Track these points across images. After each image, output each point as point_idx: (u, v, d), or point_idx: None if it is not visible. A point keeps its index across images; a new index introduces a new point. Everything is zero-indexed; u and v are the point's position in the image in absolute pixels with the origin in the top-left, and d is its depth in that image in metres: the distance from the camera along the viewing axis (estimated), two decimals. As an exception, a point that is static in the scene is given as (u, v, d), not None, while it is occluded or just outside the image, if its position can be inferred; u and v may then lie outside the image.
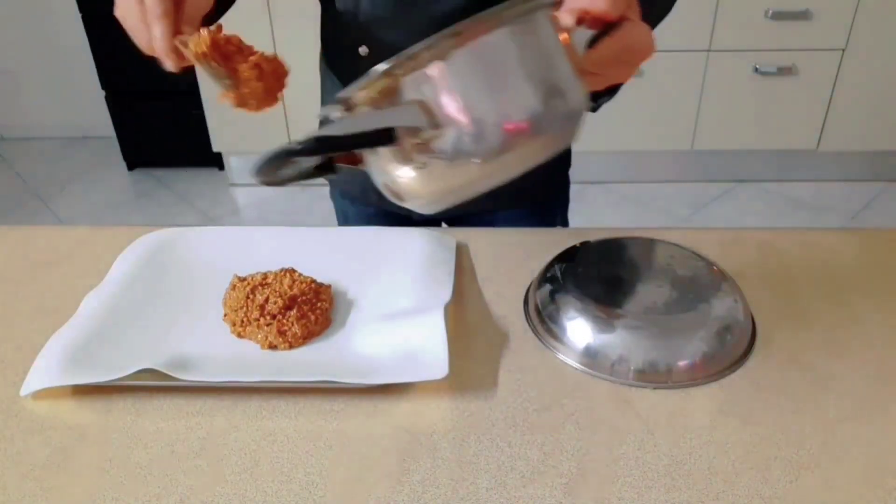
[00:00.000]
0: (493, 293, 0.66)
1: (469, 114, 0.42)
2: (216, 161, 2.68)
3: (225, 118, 2.41)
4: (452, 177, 0.44)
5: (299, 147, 0.42)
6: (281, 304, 0.60)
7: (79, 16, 2.45)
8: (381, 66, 0.42)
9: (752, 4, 2.13)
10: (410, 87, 0.42)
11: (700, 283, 0.61)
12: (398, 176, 0.46)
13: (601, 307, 0.58)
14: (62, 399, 0.54)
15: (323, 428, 0.52)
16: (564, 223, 0.97)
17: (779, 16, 2.13)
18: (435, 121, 0.42)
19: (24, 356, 0.58)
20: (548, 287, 0.62)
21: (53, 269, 0.71)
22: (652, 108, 2.25)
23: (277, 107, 2.55)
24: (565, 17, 0.48)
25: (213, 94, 2.36)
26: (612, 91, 0.56)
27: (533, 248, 0.71)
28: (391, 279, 0.65)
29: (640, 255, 0.66)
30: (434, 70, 0.42)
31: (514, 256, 0.71)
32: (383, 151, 0.45)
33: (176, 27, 0.57)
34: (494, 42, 0.42)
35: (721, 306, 0.59)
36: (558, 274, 0.63)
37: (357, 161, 0.49)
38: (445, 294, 0.63)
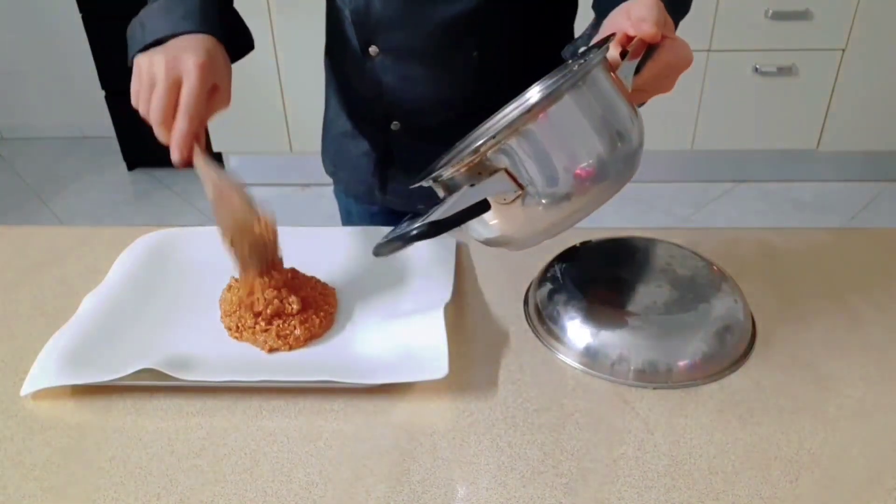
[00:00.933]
0: (493, 293, 0.66)
1: (546, 172, 0.48)
2: (216, 161, 2.68)
3: (225, 118, 2.41)
4: (537, 222, 0.51)
5: (416, 233, 0.48)
6: (277, 307, 0.59)
7: (79, 16, 2.45)
8: (469, 146, 0.49)
9: (752, 4, 2.13)
10: (493, 159, 0.49)
11: (700, 283, 0.61)
12: (491, 230, 0.52)
13: (601, 307, 0.58)
14: (62, 399, 0.54)
15: (323, 428, 0.52)
16: None
17: (779, 16, 2.13)
18: (519, 183, 0.48)
19: (23, 356, 0.58)
20: (548, 287, 0.62)
21: (53, 269, 0.71)
22: (652, 108, 2.24)
23: (277, 107, 2.53)
24: (612, 52, 0.52)
25: (213, 94, 2.36)
26: None
27: (533, 249, 0.71)
28: (391, 279, 0.65)
29: (640, 255, 0.66)
30: (513, 143, 0.48)
31: (514, 256, 0.71)
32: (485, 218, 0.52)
33: (201, 123, 0.60)
34: (561, 108, 0.48)
35: (721, 306, 0.59)
36: (558, 274, 0.63)
37: None
38: (445, 294, 0.63)
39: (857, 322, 0.61)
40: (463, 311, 0.63)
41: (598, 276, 0.63)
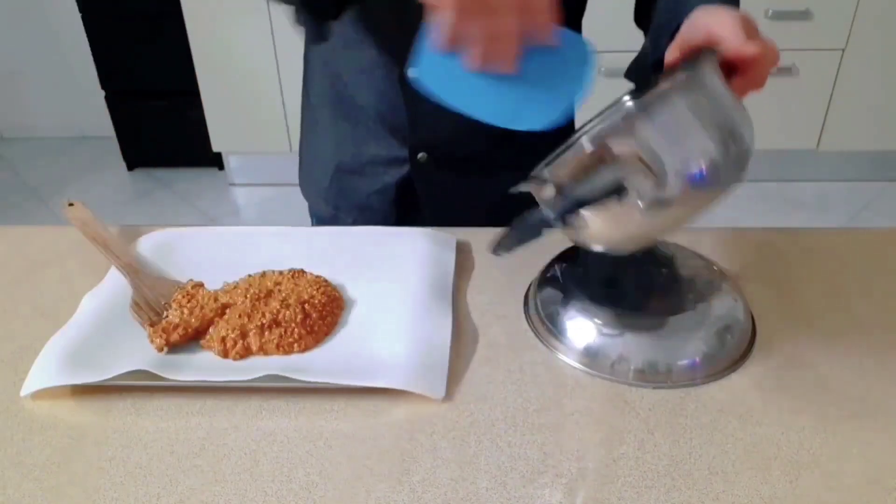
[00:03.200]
0: (493, 293, 0.66)
1: (681, 156, 0.48)
2: (216, 161, 2.68)
3: (225, 118, 2.42)
4: (644, 221, 0.50)
5: (557, 214, 0.49)
6: (274, 315, 0.59)
7: (79, 16, 2.45)
8: (587, 145, 0.48)
9: (752, 4, 2.13)
10: (617, 148, 0.48)
11: (700, 283, 0.61)
12: (601, 228, 0.52)
13: (601, 307, 0.58)
14: (62, 399, 0.54)
15: (323, 428, 0.52)
16: None
17: (779, 16, 2.13)
18: (651, 171, 0.48)
19: (23, 356, 0.58)
20: (548, 287, 0.62)
21: (53, 269, 0.71)
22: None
23: (277, 107, 2.54)
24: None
25: (213, 93, 2.37)
26: None
27: (533, 249, 0.71)
28: (391, 279, 0.65)
29: (640, 255, 0.66)
30: (638, 128, 0.48)
31: (514, 256, 0.70)
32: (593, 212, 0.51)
33: None
34: (680, 103, 0.49)
35: (721, 306, 0.59)
36: (558, 274, 0.63)
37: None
38: (446, 295, 0.63)
39: (857, 322, 0.61)
40: (463, 311, 0.63)
41: (598, 276, 0.63)
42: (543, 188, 0.52)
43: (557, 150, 0.50)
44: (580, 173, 0.49)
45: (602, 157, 0.48)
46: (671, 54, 0.56)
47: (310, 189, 0.89)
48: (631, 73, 0.65)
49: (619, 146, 0.48)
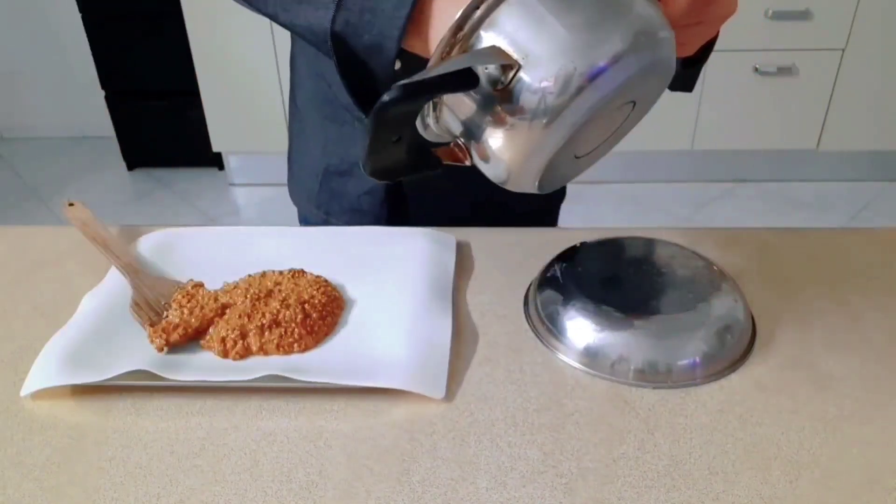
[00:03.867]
0: (493, 293, 0.66)
1: (548, 46, 0.41)
2: (216, 161, 2.68)
3: (225, 118, 2.42)
4: (545, 135, 0.42)
5: (386, 99, 0.40)
6: (274, 315, 0.59)
7: (79, 16, 2.45)
8: (445, 35, 0.42)
9: (752, 4, 2.13)
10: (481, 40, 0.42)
11: (700, 283, 0.61)
12: (497, 152, 0.45)
13: (601, 307, 0.58)
14: (62, 399, 0.54)
15: (323, 428, 0.52)
16: (554, 221, 0.96)
17: (779, 16, 2.13)
18: (512, 60, 0.41)
19: (23, 356, 0.58)
20: (548, 287, 0.62)
21: (53, 269, 0.71)
22: (652, 108, 2.25)
23: (277, 107, 2.55)
24: None
25: (213, 93, 2.37)
26: (705, 53, 0.54)
27: (533, 248, 0.71)
28: (391, 279, 0.65)
29: (640, 255, 0.66)
30: (497, 15, 0.41)
31: (514, 256, 0.71)
32: (484, 136, 0.44)
33: None
34: None
35: (721, 306, 0.59)
36: (558, 274, 0.63)
37: (461, 159, 0.48)
38: (446, 295, 0.63)
39: (857, 322, 0.61)
40: (463, 311, 0.63)
41: (598, 276, 0.63)
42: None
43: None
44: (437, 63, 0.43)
45: (459, 45, 0.42)
46: None
47: (300, 195, 0.88)
48: None
49: (478, 37, 0.42)
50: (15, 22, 2.77)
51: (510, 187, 0.48)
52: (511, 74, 0.41)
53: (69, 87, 2.87)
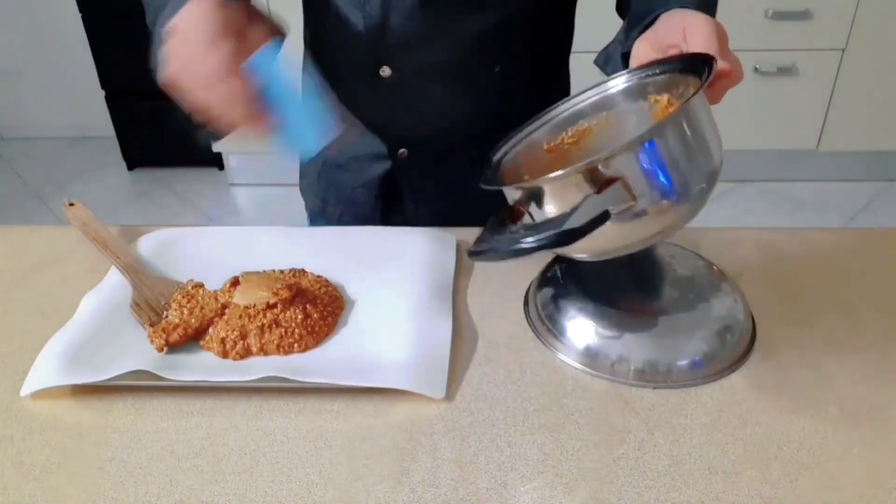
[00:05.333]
0: (493, 293, 0.66)
1: (659, 185, 0.49)
2: (216, 161, 2.68)
3: (225, 118, 2.41)
4: (629, 236, 0.52)
5: (537, 245, 0.48)
6: (275, 315, 0.59)
7: (79, 16, 2.44)
8: (577, 167, 0.48)
9: (752, 4, 2.13)
10: (608, 168, 0.49)
11: (700, 283, 0.61)
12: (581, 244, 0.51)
13: (601, 307, 0.58)
14: (62, 399, 0.54)
15: (323, 428, 0.52)
16: None
17: (779, 16, 2.13)
18: (632, 196, 0.49)
19: (23, 356, 0.58)
20: (548, 287, 0.62)
21: (53, 269, 0.71)
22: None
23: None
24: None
25: (213, 94, 2.36)
26: None
27: (533, 248, 0.71)
28: (392, 279, 0.65)
29: (640, 255, 0.66)
30: (631, 155, 0.49)
31: (514, 256, 0.71)
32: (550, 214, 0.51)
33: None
34: (684, 123, 0.50)
35: (721, 306, 0.59)
36: (558, 274, 0.63)
37: (517, 218, 0.54)
38: (446, 295, 0.63)
39: (857, 322, 0.61)
40: (463, 311, 0.63)
41: (598, 276, 0.63)
42: (515, 194, 0.53)
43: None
44: (562, 201, 0.50)
45: (592, 186, 0.49)
46: (641, 48, 0.56)
47: (303, 183, 0.91)
48: (600, 61, 0.65)
49: (608, 175, 0.48)
50: (15, 22, 2.77)
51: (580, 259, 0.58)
52: (625, 207, 0.49)
53: (69, 87, 2.87)
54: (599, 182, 0.48)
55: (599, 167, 0.48)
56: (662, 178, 0.49)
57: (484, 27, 0.68)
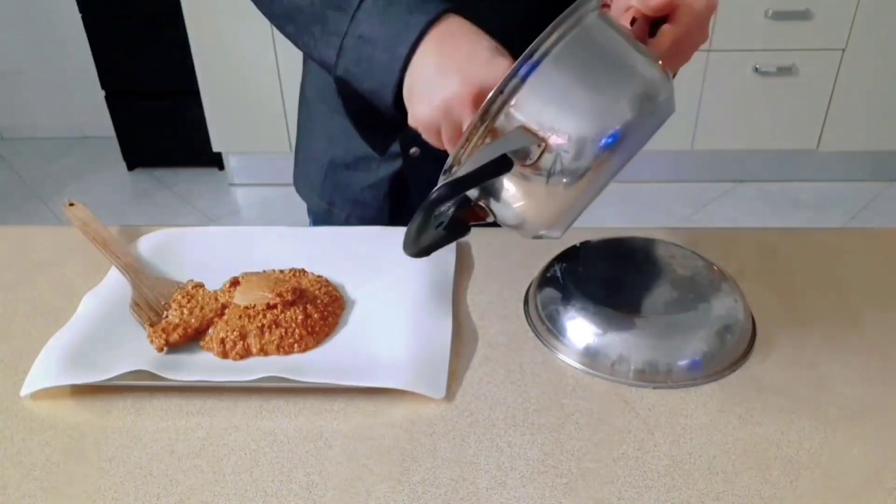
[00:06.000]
0: (493, 293, 0.66)
1: (567, 123, 0.45)
2: (216, 161, 2.68)
3: (225, 118, 2.42)
4: (566, 193, 0.48)
5: (434, 196, 0.45)
6: (275, 316, 0.59)
7: (79, 16, 2.45)
8: (473, 119, 0.46)
9: (752, 4, 2.13)
10: (506, 125, 0.46)
11: (700, 283, 0.61)
12: (520, 211, 0.50)
13: (601, 307, 0.58)
14: (62, 399, 0.54)
15: (323, 428, 0.52)
16: None
17: (779, 16, 2.13)
18: (539, 138, 0.45)
19: (23, 356, 0.58)
20: (548, 287, 0.62)
21: (53, 269, 0.71)
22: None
23: (277, 107, 2.54)
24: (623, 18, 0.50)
25: (213, 93, 2.36)
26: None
27: (533, 248, 0.71)
28: (392, 279, 0.65)
29: (640, 255, 0.66)
30: (520, 99, 0.45)
31: (514, 256, 0.71)
32: (504, 196, 0.49)
33: None
34: (564, 54, 0.45)
35: (721, 306, 0.59)
36: (558, 274, 0.63)
37: (483, 217, 0.52)
38: (446, 295, 0.63)
39: (857, 322, 0.61)
40: (463, 310, 0.63)
41: (598, 276, 0.63)
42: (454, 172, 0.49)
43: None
44: (471, 152, 0.47)
45: (487, 132, 0.46)
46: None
47: (304, 185, 0.89)
48: None
49: (501, 120, 0.46)
50: (15, 22, 2.77)
51: (525, 236, 0.53)
52: (538, 151, 0.45)
53: (69, 87, 2.87)
54: (498, 132, 0.46)
55: (493, 119, 0.45)
56: (561, 108, 0.45)
57: (505, 23, 0.68)
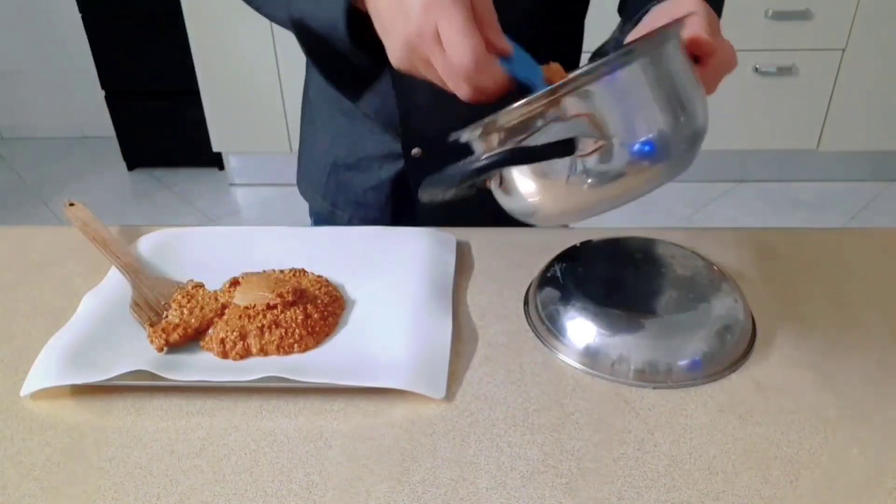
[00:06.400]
0: (493, 293, 0.66)
1: (633, 130, 0.46)
2: (216, 161, 2.68)
3: (225, 118, 2.42)
4: (601, 199, 0.48)
5: (497, 158, 0.44)
6: (275, 316, 0.59)
7: (79, 16, 2.45)
8: (533, 97, 0.45)
9: (752, 4, 2.13)
10: (572, 105, 0.45)
11: (700, 283, 0.61)
12: (533, 198, 0.49)
13: (601, 307, 0.58)
14: (62, 399, 0.54)
15: (323, 428, 0.52)
16: None
17: (779, 16, 2.13)
18: (602, 134, 0.45)
19: (23, 356, 0.58)
20: (548, 287, 0.62)
21: (53, 269, 0.71)
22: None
23: (277, 107, 2.54)
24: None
25: (213, 93, 2.37)
26: None
27: (533, 248, 0.71)
28: (392, 279, 0.65)
29: (640, 255, 0.66)
30: (600, 87, 0.45)
31: (514, 256, 0.71)
32: (523, 179, 0.49)
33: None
34: (653, 66, 0.47)
35: (721, 306, 0.59)
36: (558, 274, 0.63)
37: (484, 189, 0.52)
38: (446, 295, 0.63)
39: (857, 322, 0.61)
40: (463, 311, 0.63)
41: (598, 276, 0.63)
42: (488, 137, 0.49)
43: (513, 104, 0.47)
44: (527, 124, 0.46)
45: (555, 111, 0.46)
46: (632, 38, 0.56)
47: (307, 185, 0.89)
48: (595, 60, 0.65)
49: (574, 104, 0.45)
50: (15, 22, 2.77)
51: (535, 222, 0.53)
52: (593, 147, 0.45)
53: (69, 87, 2.87)
54: (568, 115, 0.46)
55: (563, 98, 0.45)
56: (635, 118, 0.46)
57: (505, 27, 0.68)
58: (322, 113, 0.83)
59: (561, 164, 0.47)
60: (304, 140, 0.89)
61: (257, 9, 0.64)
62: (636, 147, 0.46)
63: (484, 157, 0.45)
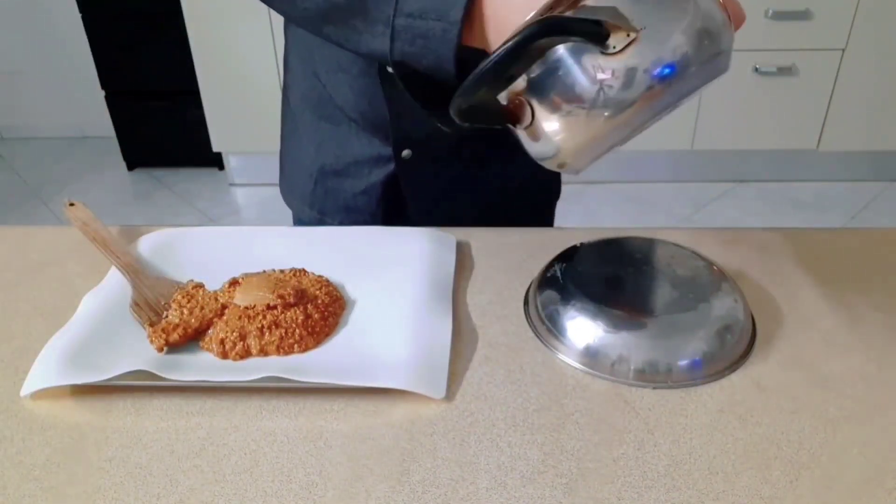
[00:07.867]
0: (493, 293, 0.66)
1: (661, 28, 0.44)
2: (216, 161, 2.68)
3: (225, 118, 2.42)
4: (604, 123, 0.46)
5: (527, 33, 0.41)
6: (275, 316, 0.59)
7: (79, 16, 2.45)
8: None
9: (752, 4, 2.13)
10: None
11: (700, 283, 0.61)
12: (554, 134, 0.47)
13: (601, 307, 0.58)
14: (62, 399, 0.54)
15: (323, 428, 0.52)
16: (551, 217, 0.95)
17: (779, 16, 2.13)
18: (632, 29, 0.43)
19: (23, 356, 0.58)
20: (548, 287, 0.62)
21: (53, 269, 0.71)
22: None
23: (277, 107, 2.55)
24: None
25: (213, 93, 2.37)
26: None
27: (533, 248, 0.71)
28: (392, 279, 0.65)
29: (640, 255, 0.66)
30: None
31: (514, 256, 0.71)
32: (546, 104, 0.47)
33: None
34: None
35: (721, 306, 0.59)
36: (558, 274, 0.63)
37: (517, 119, 0.49)
38: (446, 295, 0.63)
39: (857, 322, 0.61)
40: (463, 311, 0.63)
41: (598, 276, 0.63)
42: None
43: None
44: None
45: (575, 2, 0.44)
46: None
47: (293, 195, 0.88)
48: None
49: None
50: (15, 22, 2.77)
51: (557, 161, 0.50)
52: (626, 41, 0.43)
53: (69, 87, 2.87)
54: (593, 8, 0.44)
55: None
56: (653, 44, 0.43)
57: None
58: (305, 121, 0.82)
59: (586, 92, 0.45)
60: (285, 150, 0.88)
61: (339, 45, 0.59)
62: (656, 72, 0.44)
63: (521, 31, 0.42)
